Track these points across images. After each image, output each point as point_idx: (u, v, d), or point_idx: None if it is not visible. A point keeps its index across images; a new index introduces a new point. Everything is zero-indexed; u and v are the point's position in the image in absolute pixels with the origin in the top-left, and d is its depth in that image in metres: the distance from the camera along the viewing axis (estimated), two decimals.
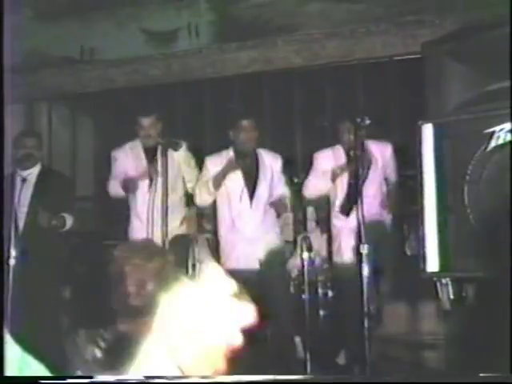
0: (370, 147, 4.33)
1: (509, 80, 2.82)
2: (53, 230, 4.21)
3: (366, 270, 3.20)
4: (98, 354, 1.63)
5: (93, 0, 6.95)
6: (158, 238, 3.86)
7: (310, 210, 5.88)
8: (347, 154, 4.36)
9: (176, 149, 4.23)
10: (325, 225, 5.02)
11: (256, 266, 4.25)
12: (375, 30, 6.22)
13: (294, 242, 5.32)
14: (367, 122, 3.41)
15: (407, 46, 5.90)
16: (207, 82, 6.92)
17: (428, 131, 3.25)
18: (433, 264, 3.20)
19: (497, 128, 3.00)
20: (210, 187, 4.32)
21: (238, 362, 0.82)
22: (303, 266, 4.01)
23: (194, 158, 4.59)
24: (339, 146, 4.46)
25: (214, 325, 0.77)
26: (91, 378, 0.89)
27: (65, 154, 7.22)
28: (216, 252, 4.48)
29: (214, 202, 4.50)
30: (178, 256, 3.83)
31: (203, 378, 0.79)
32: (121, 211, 4.81)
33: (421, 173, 3.25)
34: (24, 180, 4.30)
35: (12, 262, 3.45)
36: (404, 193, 4.58)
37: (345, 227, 4.31)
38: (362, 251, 3.21)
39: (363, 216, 3.27)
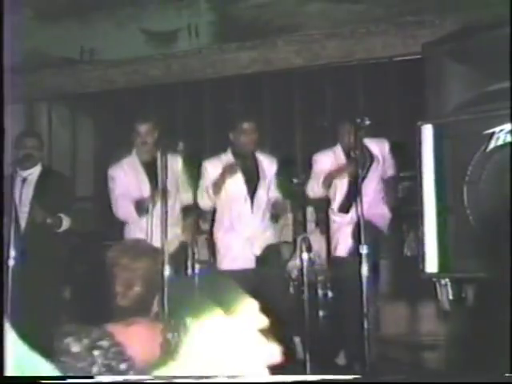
0: (368, 146, 4.33)
1: (509, 80, 2.82)
2: (48, 229, 4.21)
3: (365, 271, 3.21)
4: (75, 348, 1.62)
5: (93, 0, 6.96)
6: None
7: (310, 211, 5.88)
8: (347, 155, 4.36)
9: (175, 149, 4.18)
10: (324, 225, 5.02)
11: (253, 265, 4.25)
12: (375, 31, 6.23)
13: (294, 242, 5.32)
14: (367, 122, 3.41)
15: (407, 46, 5.91)
16: (207, 83, 6.93)
17: (428, 132, 3.25)
18: (432, 265, 3.19)
19: (497, 129, 3.00)
20: (210, 193, 4.30)
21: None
22: (303, 267, 4.00)
23: (193, 163, 4.50)
24: (339, 146, 4.46)
25: (241, 359, 0.79)
26: (91, 378, 0.89)
27: (65, 154, 7.23)
28: (213, 253, 4.47)
29: None
30: (177, 257, 3.84)
31: (203, 378, 0.79)
32: None
33: (420, 173, 3.25)
34: (24, 180, 4.30)
35: (11, 262, 3.46)
36: (404, 193, 4.58)
37: (344, 222, 4.31)
38: (361, 251, 3.22)
39: (363, 216, 3.27)
